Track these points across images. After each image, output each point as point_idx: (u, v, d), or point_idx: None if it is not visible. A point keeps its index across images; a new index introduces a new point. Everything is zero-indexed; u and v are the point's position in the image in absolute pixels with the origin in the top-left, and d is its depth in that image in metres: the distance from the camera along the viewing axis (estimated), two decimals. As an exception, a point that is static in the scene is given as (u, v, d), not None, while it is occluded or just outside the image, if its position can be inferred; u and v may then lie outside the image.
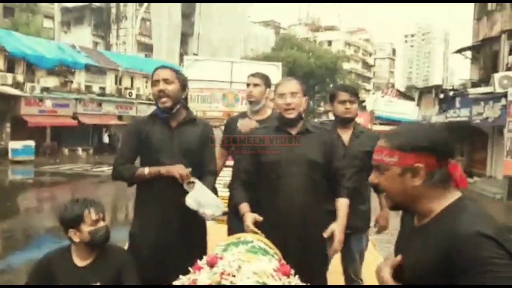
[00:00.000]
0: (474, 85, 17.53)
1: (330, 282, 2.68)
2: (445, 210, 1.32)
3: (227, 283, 1.53)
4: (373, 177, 1.43)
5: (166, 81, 2.56)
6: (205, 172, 2.66)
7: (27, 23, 29.47)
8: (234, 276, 1.57)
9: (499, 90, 13.38)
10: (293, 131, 2.54)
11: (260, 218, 2.33)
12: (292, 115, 2.49)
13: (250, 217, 2.35)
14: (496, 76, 14.10)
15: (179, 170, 2.44)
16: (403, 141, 1.34)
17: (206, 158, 2.70)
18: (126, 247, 2.69)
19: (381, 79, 72.83)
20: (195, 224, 2.59)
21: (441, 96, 19.42)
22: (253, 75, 3.31)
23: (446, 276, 1.23)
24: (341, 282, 3.29)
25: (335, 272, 3.17)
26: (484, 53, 18.95)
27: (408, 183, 1.33)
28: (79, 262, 2.26)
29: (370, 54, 72.23)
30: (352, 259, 3.14)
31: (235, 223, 2.83)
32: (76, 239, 2.21)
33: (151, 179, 2.50)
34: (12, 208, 10.57)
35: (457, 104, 17.33)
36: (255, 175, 2.56)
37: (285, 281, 1.68)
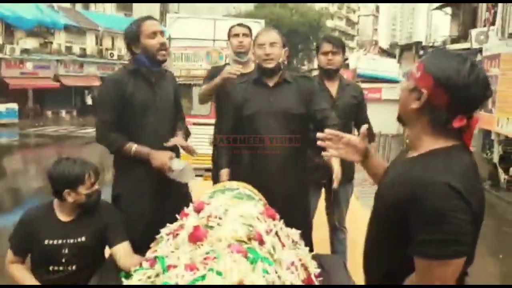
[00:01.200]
0: (454, 41, 17.48)
1: (314, 235, 2.73)
2: (430, 152, 1.29)
3: (214, 225, 1.57)
4: (401, 83, 1.42)
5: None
6: (179, 119, 2.70)
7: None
8: (220, 218, 1.61)
9: (475, 46, 13.40)
10: (271, 83, 2.51)
11: None
12: (271, 65, 2.45)
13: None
14: (473, 32, 14.08)
15: (163, 161, 2.37)
16: (431, 62, 1.28)
17: (179, 107, 2.72)
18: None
19: (364, 36, 71.92)
20: (181, 186, 2.59)
21: (421, 52, 19.41)
22: (240, 25, 3.23)
23: (401, 213, 1.23)
24: (326, 233, 3.37)
25: (320, 225, 3.25)
26: (463, 9, 18.84)
27: (410, 101, 1.31)
28: (63, 217, 2.24)
29: (354, 11, 71.01)
30: (337, 207, 3.21)
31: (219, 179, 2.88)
32: (70, 200, 2.17)
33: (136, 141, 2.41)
34: (-1, 170, 10.49)
35: None
36: (237, 130, 2.55)
37: (270, 223, 1.73)
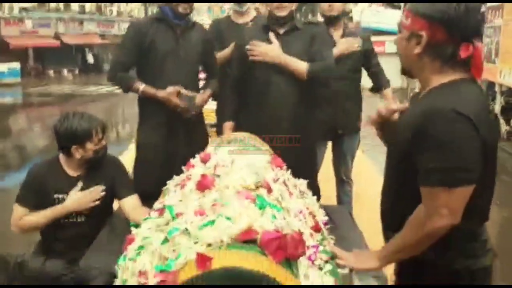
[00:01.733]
0: None
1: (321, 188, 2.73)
2: (439, 86, 1.30)
3: (221, 173, 1.56)
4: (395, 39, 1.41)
5: None
6: (211, 76, 2.74)
7: None
8: (228, 167, 1.59)
9: None
10: (281, 30, 2.44)
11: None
12: (283, 12, 2.37)
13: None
14: None
15: (172, 100, 2.42)
16: (420, 6, 1.29)
17: (211, 64, 2.74)
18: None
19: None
20: (199, 135, 2.62)
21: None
22: None
23: (415, 146, 1.24)
24: (332, 187, 3.38)
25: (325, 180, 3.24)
26: None
27: (411, 49, 1.31)
28: (71, 172, 2.23)
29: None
30: (343, 159, 3.20)
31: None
32: (78, 156, 2.16)
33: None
34: (4, 130, 10.50)
35: None
36: (244, 79, 2.50)
37: (278, 172, 1.71)
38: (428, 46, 1.28)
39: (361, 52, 2.99)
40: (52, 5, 25.50)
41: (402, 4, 24.22)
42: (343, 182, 3.26)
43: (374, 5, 26.40)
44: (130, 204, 2.22)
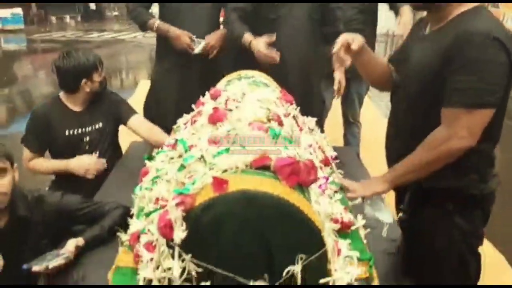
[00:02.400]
0: None
1: (329, 127, 2.75)
2: (459, 15, 1.28)
3: (232, 108, 1.55)
4: None
5: None
6: None
7: None
8: (239, 102, 1.59)
9: None
10: None
11: (273, 38, 2.26)
12: None
13: (261, 43, 2.26)
14: None
15: (184, 41, 2.48)
16: None
17: None
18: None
19: None
20: (213, 74, 2.59)
21: None
22: None
23: (440, 74, 1.24)
24: (340, 129, 3.39)
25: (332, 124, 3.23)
26: None
27: None
28: (76, 108, 2.26)
29: None
30: (351, 102, 3.19)
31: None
32: (87, 89, 2.21)
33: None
34: (10, 76, 10.43)
35: None
36: (253, 16, 2.43)
37: (288, 108, 1.71)
38: None
39: None
40: None
41: None
42: (350, 124, 3.27)
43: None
44: (137, 122, 2.31)
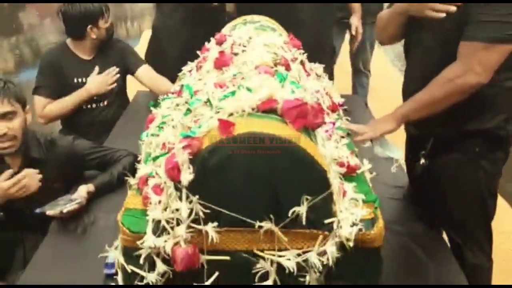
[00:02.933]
0: None
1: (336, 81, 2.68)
2: None
3: (238, 51, 1.51)
4: None
5: None
6: None
7: None
8: (245, 46, 1.55)
9: None
10: None
11: None
12: None
13: None
14: None
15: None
16: None
17: None
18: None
19: None
20: (217, 20, 2.49)
21: None
22: None
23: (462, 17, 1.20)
24: (348, 77, 3.31)
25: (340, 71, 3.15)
26: None
27: None
28: (84, 56, 2.24)
29: None
30: (363, 49, 3.07)
31: None
32: (93, 36, 2.17)
33: None
34: (16, 24, 10.26)
35: None
36: None
37: (295, 53, 1.66)
38: None
39: None
40: None
41: None
42: (360, 72, 3.17)
43: None
44: (145, 73, 2.30)
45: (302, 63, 1.64)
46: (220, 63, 1.46)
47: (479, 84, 1.22)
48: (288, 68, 1.46)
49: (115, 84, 2.23)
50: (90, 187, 1.59)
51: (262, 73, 1.31)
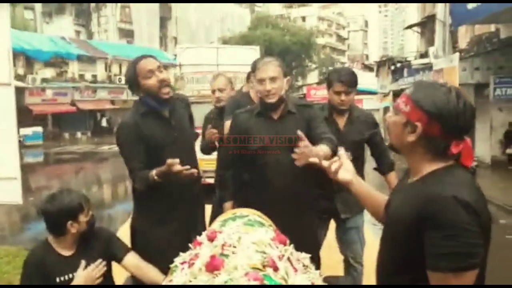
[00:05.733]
0: (421, 56, 18.11)
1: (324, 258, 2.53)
2: (430, 173, 1.27)
3: (229, 253, 1.50)
4: (388, 116, 1.38)
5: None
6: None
7: (12, 17, 28.04)
8: (235, 247, 1.54)
9: (432, 61, 14.02)
10: (275, 115, 2.34)
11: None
12: (273, 99, 2.27)
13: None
14: (431, 49, 15.07)
15: (175, 167, 2.08)
16: (420, 97, 1.26)
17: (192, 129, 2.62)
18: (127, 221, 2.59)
19: (355, 51, 71.00)
20: (200, 211, 2.53)
21: (392, 67, 20.17)
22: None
23: (414, 229, 1.19)
24: (335, 253, 3.02)
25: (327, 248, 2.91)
26: (428, 29, 19.25)
27: (405, 135, 1.29)
28: (65, 252, 2.09)
29: (344, 27, 70.26)
30: (350, 242, 2.84)
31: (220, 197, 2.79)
32: (73, 231, 2.04)
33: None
34: (25, 187, 10.34)
35: (405, 74, 17.78)
36: (242, 164, 2.38)
37: (282, 249, 1.65)
38: (422, 137, 1.25)
39: (363, 138, 2.80)
40: (69, 75, 26.40)
41: (375, 68, 25.15)
42: (349, 265, 2.87)
43: (354, 68, 27.40)
44: (132, 262, 2.14)
45: (289, 258, 1.62)
46: (212, 267, 1.44)
47: None
48: (275, 269, 1.45)
49: (101, 279, 2.05)
50: None
51: (252, 280, 1.28)
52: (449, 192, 1.16)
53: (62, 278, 2.05)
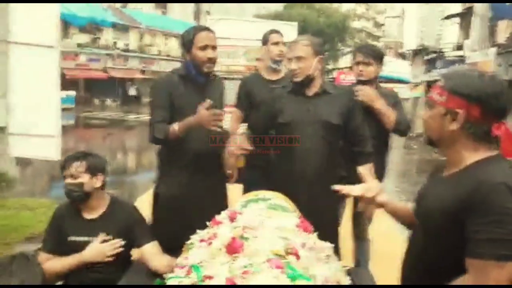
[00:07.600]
0: (458, 48, 17.60)
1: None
2: (475, 163, 1.23)
3: (249, 236, 1.44)
4: (423, 113, 1.35)
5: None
6: None
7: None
8: (256, 230, 1.47)
9: (467, 53, 13.39)
10: (310, 92, 2.32)
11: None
12: (298, 78, 2.28)
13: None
14: (466, 42, 14.39)
15: (206, 117, 2.09)
16: (454, 84, 1.24)
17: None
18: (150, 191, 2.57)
19: (390, 38, 68.79)
20: (219, 186, 2.48)
21: (425, 57, 19.49)
22: (279, 32, 3.06)
23: (458, 219, 1.16)
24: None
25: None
26: (467, 20, 18.47)
27: (446, 125, 1.25)
28: (88, 215, 2.11)
29: (381, 13, 68.34)
30: (358, 218, 2.89)
31: (249, 176, 2.72)
32: (98, 184, 2.09)
33: (180, 143, 2.23)
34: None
35: (438, 65, 17.36)
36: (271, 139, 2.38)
37: (305, 237, 1.58)
38: (464, 124, 1.23)
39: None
40: (102, 42, 26.54)
41: (410, 57, 24.29)
42: (358, 240, 2.95)
43: (387, 56, 26.55)
44: (151, 251, 2.06)
45: (312, 248, 1.54)
46: (232, 250, 1.38)
47: None
48: (298, 257, 1.38)
49: (113, 257, 2.03)
50: None
51: (274, 267, 1.22)
52: (500, 179, 1.13)
53: (73, 239, 2.06)
